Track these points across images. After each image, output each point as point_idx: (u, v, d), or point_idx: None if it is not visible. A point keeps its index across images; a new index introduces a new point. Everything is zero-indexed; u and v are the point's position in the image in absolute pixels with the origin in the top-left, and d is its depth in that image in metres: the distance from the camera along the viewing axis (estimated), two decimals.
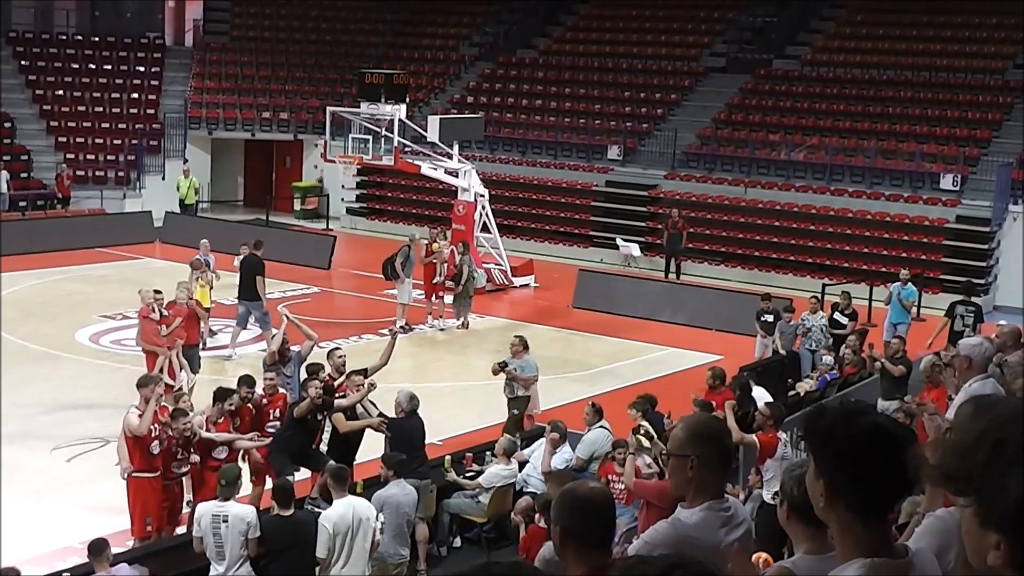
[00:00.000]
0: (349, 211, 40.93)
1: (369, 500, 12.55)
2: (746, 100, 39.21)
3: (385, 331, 22.63)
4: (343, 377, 15.65)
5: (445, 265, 26.55)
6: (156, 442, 13.55)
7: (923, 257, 31.77)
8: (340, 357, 16.17)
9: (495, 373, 18.46)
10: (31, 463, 17.22)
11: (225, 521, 11.65)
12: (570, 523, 4.22)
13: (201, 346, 21.48)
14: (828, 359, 19.17)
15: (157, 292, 19.97)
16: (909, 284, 25.01)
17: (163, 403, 14.10)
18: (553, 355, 22.27)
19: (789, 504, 4.07)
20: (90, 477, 16.23)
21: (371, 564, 12.17)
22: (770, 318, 22.89)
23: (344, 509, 11.72)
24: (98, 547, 11.36)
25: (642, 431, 13.32)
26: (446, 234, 28.56)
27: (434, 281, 26.47)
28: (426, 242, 26.93)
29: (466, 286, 26.46)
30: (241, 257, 24.09)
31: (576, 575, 4.23)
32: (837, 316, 22.88)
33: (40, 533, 14.74)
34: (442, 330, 26.11)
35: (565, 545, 4.23)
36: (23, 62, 42.56)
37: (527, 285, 31.82)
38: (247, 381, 15.12)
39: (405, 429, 14.61)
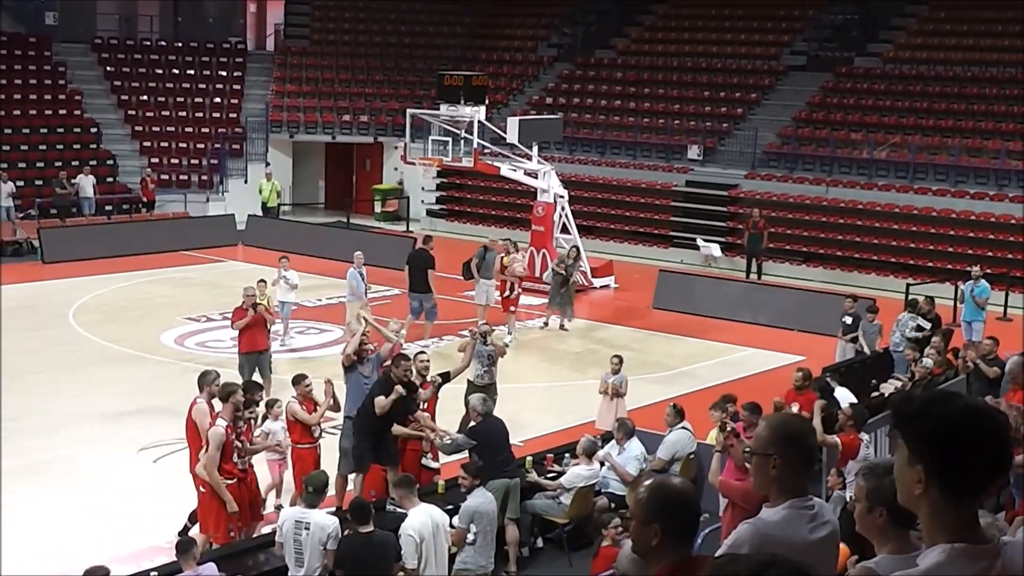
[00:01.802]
0: (429, 213, 41.11)
1: (448, 502, 12.57)
2: (827, 98, 38.85)
3: (466, 332, 22.64)
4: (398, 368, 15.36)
5: (516, 282, 26.20)
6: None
7: (1008, 256, 31.22)
8: (423, 361, 16.06)
9: (462, 350, 18.23)
10: (119, 464, 17.47)
11: (307, 528, 11.55)
12: (658, 516, 4.26)
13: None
14: (928, 362, 18.86)
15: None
16: (982, 281, 24.65)
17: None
18: (633, 356, 22.18)
19: (882, 504, 4.01)
20: (177, 477, 16.36)
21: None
22: (848, 320, 22.68)
23: (424, 517, 11.62)
24: (185, 546, 11.49)
25: (728, 428, 13.24)
26: (517, 246, 28.11)
27: (505, 295, 26.20)
28: (501, 254, 26.62)
29: (569, 288, 26.59)
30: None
31: (660, 568, 4.26)
32: (919, 320, 22.60)
33: (127, 532, 14.96)
34: (509, 333, 25.83)
35: (651, 537, 4.25)
36: (108, 68, 43.14)
37: (607, 286, 31.77)
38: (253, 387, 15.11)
39: (485, 431, 14.52)
